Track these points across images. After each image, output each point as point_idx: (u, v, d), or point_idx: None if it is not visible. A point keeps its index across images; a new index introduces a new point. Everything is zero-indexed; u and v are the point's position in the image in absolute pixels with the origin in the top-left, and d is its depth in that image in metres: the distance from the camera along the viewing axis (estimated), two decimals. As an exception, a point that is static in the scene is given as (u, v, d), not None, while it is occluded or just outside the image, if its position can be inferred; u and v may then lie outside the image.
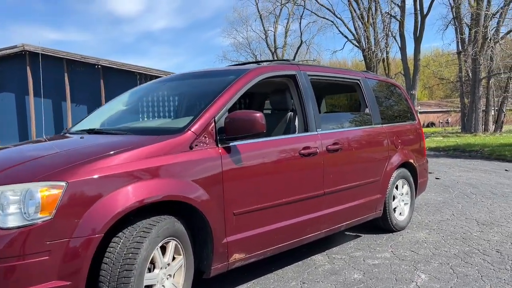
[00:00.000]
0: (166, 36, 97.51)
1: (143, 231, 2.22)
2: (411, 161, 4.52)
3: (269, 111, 4.02)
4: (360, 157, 3.80)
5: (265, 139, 2.96)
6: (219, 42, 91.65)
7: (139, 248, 2.16)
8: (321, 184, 3.33)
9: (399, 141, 4.35)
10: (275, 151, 2.99)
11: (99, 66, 14.08)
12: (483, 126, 25.20)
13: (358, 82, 4.16)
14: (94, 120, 3.55)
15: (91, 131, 3.00)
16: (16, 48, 14.30)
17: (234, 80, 2.94)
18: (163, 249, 2.38)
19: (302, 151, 3.15)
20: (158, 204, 2.37)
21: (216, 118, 2.68)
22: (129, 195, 2.16)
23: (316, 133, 3.36)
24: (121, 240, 2.17)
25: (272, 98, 3.69)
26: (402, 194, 4.50)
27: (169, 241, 2.39)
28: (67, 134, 3.20)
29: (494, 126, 26.07)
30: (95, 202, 2.08)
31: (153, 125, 3.06)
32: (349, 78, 4.09)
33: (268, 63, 3.50)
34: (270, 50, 42.26)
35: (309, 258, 3.60)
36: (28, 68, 14.42)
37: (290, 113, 3.54)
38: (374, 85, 4.44)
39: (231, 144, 2.71)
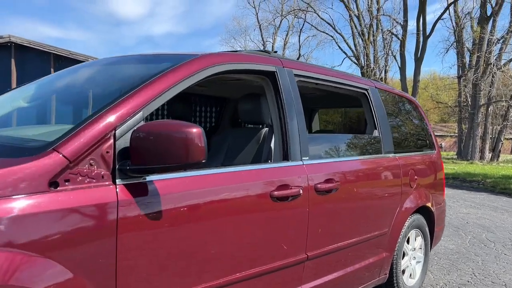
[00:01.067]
0: (167, 41, 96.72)
1: None
2: (429, 205, 3.34)
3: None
4: (364, 201, 2.60)
5: (209, 172, 1.75)
6: (218, 50, 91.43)
7: None
8: (304, 243, 2.13)
9: (416, 177, 3.17)
10: (228, 192, 1.78)
11: (87, 64, 13.22)
12: (480, 153, 24.30)
13: (366, 92, 2.97)
14: None
15: None
16: (1, 39, 13.20)
17: (166, 70, 1.75)
18: None
19: (275, 192, 1.96)
20: None
21: (117, 131, 1.48)
22: None
23: (300, 162, 2.17)
24: None
25: (240, 106, 2.50)
26: (414, 249, 3.31)
27: None
28: None
29: (491, 155, 25.19)
30: None
31: (18, 135, 1.84)
32: (354, 86, 2.89)
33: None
34: (267, 61, 41.14)
35: None
36: (13, 60, 13.41)
37: (264, 129, 2.36)
38: (386, 99, 3.27)
39: (145, 179, 1.51)
